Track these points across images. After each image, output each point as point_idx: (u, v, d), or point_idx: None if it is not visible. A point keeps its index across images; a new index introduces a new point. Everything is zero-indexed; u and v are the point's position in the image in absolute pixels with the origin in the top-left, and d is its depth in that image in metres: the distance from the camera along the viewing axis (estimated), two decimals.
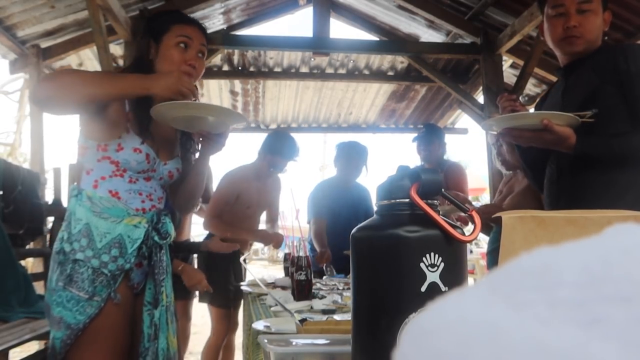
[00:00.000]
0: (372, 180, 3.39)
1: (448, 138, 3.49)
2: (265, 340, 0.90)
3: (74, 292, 1.31)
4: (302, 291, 1.82)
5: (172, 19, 1.50)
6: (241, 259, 2.66)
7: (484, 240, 7.29)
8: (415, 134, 3.41)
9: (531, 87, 5.26)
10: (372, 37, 5.09)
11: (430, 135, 3.28)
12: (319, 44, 4.27)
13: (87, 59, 4.58)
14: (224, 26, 4.88)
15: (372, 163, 3.38)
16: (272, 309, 1.65)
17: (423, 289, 0.59)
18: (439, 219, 0.61)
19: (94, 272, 1.33)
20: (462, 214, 2.46)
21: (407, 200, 0.63)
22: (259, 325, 1.26)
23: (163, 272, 1.46)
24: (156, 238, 1.43)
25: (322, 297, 1.86)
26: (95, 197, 1.38)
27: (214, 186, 2.96)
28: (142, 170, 1.45)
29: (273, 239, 2.82)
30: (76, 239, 1.34)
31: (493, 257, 2.24)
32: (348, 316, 1.08)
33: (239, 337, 3.25)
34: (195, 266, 2.81)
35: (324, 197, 3.23)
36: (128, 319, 1.42)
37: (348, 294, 1.91)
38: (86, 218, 1.35)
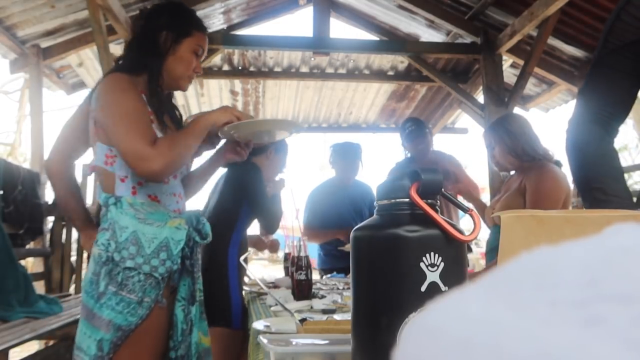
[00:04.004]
0: (373, 179, 3.40)
1: (448, 138, 3.50)
2: (265, 340, 0.90)
3: (125, 295, 1.32)
4: (302, 291, 1.82)
5: (195, 25, 1.52)
6: (241, 259, 2.67)
7: (484, 240, 7.29)
8: (403, 132, 3.30)
9: (531, 87, 5.26)
10: (372, 36, 5.09)
11: (420, 130, 3.23)
12: (319, 43, 4.27)
13: (87, 58, 4.58)
14: (224, 26, 4.89)
15: (368, 159, 3.40)
16: (272, 308, 1.65)
17: (423, 288, 0.59)
18: (439, 218, 0.61)
19: (146, 277, 1.34)
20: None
21: (407, 199, 0.63)
22: (259, 325, 1.26)
23: (199, 269, 1.51)
24: (197, 238, 1.45)
25: (322, 296, 1.86)
26: (136, 203, 1.38)
27: None
28: None
29: (267, 245, 2.82)
30: (124, 247, 1.33)
31: (492, 257, 2.24)
32: (348, 316, 1.08)
33: None
34: None
35: (320, 202, 3.25)
36: (168, 318, 1.44)
37: (348, 293, 1.91)
38: (132, 226, 1.35)
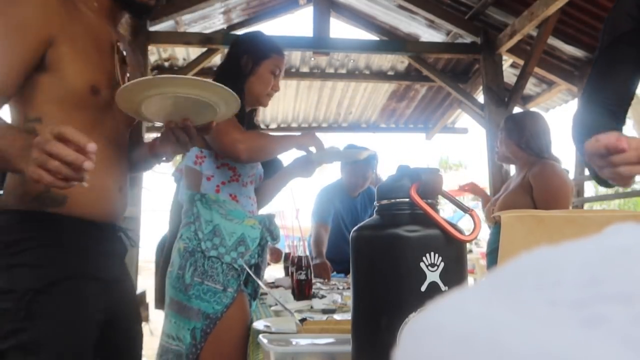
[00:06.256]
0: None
1: (448, 138, 3.55)
2: (265, 340, 0.90)
3: (210, 285, 1.44)
4: (302, 291, 1.82)
5: (272, 49, 1.67)
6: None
7: (484, 240, 7.30)
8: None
9: (531, 87, 5.26)
10: (372, 36, 5.09)
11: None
12: (319, 43, 4.27)
13: None
14: (224, 26, 4.88)
15: (383, 168, 3.40)
16: (272, 308, 1.65)
17: (423, 288, 0.59)
18: (439, 218, 0.61)
19: (227, 267, 1.46)
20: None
21: (407, 199, 0.63)
22: (259, 325, 1.26)
23: (265, 267, 1.64)
24: (269, 238, 1.58)
25: (322, 296, 1.86)
26: (219, 200, 1.53)
27: None
28: (252, 174, 1.64)
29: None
30: (208, 238, 1.48)
31: (493, 257, 2.24)
32: (348, 316, 1.08)
33: None
34: None
35: (328, 202, 3.16)
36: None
37: (348, 293, 1.91)
38: (215, 219, 1.49)
